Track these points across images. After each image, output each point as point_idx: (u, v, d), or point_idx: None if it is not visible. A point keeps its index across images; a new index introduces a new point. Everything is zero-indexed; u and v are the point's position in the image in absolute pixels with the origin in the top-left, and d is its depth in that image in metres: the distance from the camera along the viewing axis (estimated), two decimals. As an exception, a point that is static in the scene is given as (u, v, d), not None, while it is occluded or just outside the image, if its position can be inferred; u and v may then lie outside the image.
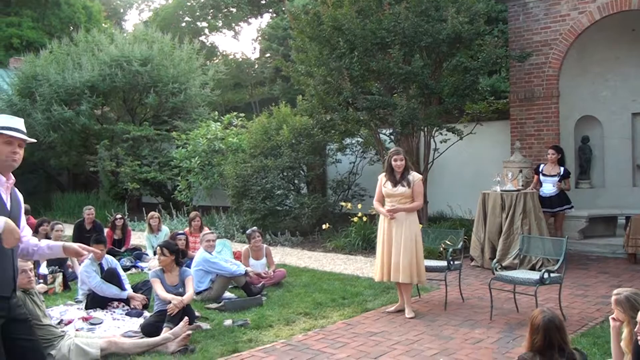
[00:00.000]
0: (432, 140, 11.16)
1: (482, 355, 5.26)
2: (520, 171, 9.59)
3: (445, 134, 11.00)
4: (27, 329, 3.61)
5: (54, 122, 16.91)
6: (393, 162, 6.63)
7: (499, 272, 6.71)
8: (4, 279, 3.41)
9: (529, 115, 10.80)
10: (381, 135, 11.75)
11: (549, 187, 9.42)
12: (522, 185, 9.33)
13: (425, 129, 10.96)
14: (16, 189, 3.60)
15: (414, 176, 6.64)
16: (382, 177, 6.80)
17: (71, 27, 26.16)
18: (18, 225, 3.44)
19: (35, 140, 3.78)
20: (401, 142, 11.11)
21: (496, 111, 11.76)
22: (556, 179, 9.39)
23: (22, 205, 3.66)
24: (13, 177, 3.53)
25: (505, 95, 12.40)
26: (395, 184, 6.63)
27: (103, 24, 27.48)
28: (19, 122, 3.54)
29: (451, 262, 7.11)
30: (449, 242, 7.78)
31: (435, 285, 7.78)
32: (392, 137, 11.57)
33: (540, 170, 9.58)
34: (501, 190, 9.10)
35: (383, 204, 6.78)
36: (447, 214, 11.85)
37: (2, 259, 3.39)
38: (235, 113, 15.66)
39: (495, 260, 7.29)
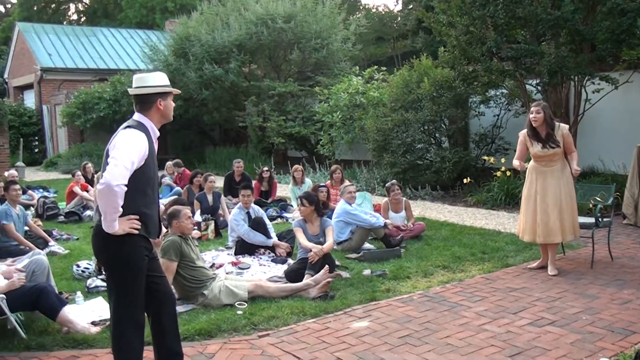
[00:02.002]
0: (583, 90, 10.50)
1: (629, 316, 5.01)
2: (684, 122, 8.80)
3: (598, 84, 10.27)
4: (159, 267, 4.02)
5: (206, 80, 17.92)
6: (530, 116, 6.30)
7: (653, 231, 6.28)
8: (155, 225, 3.80)
9: (696, 60, 9.80)
10: (527, 86, 11.23)
11: None
12: (686, 138, 8.57)
13: (576, 79, 10.32)
14: None
15: (562, 129, 6.28)
16: (523, 134, 6.46)
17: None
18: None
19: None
20: (549, 92, 10.56)
21: (658, 57, 10.76)
22: None
23: None
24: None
25: (669, 39, 11.29)
26: (543, 144, 6.27)
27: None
28: None
29: (600, 219, 6.76)
30: (599, 199, 7.38)
31: (582, 243, 7.45)
32: (539, 87, 11.03)
33: None
34: (660, 143, 8.43)
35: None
36: (598, 169, 11.15)
37: (154, 209, 3.79)
38: (376, 67, 15.64)
39: (649, 218, 6.82)
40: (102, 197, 3.42)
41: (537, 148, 6.32)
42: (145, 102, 3.76)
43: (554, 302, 5.44)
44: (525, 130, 6.45)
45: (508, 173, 10.48)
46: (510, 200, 10.31)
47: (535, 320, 5.00)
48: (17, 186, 8.06)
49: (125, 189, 3.43)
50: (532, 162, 6.48)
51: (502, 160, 10.97)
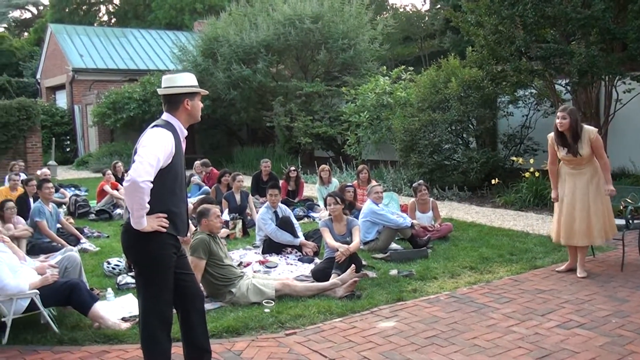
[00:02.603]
0: (613, 90, 10.36)
1: (660, 320, 4.95)
2: None
3: (629, 83, 10.13)
4: (187, 264, 4.07)
5: (234, 80, 18.05)
6: (556, 120, 6.19)
7: (685, 233, 6.18)
8: (184, 223, 3.86)
9: None
10: (557, 86, 11.10)
11: None
12: None
13: (606, 78, 10.19)
14: None
15: (590, 133, 6.15)
16: (551, 138, 6.36)
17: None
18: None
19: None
20: (579, 93, 10.43)
21: (691, 56, 10.56)
22: None
23: None
24: None
25: None
26: (569, 149, 6.17)
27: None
28: None
29: (630, 221, 6.67)
30: (629, 200, 7.27)
31: (612, 245, 7.35)
32: (568, 87, 10.90)
33: None
34: (694, 144, 8.27)
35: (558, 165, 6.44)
36: (629, 170, 10.99)
37: (183, 207, 3.85)
38: (403, 67, 15.60)
39: (682, 220, 6.71)
40: (129, 194, 3.49)
41: (562, 153, 6.25)
42: (173, 102, 3.82)
43: (583, 305, 5.38)
44: (552, 134, 6.39)
45: (537, 174, 10.37)
46: (539, 202, 10.21)
47: (564, 322, 4.96)
48: (50, 184, 8.24)
49: (151, 185, 3.48)
50: (561, 163, 6.42)
51: (531, 160, 10.86)
